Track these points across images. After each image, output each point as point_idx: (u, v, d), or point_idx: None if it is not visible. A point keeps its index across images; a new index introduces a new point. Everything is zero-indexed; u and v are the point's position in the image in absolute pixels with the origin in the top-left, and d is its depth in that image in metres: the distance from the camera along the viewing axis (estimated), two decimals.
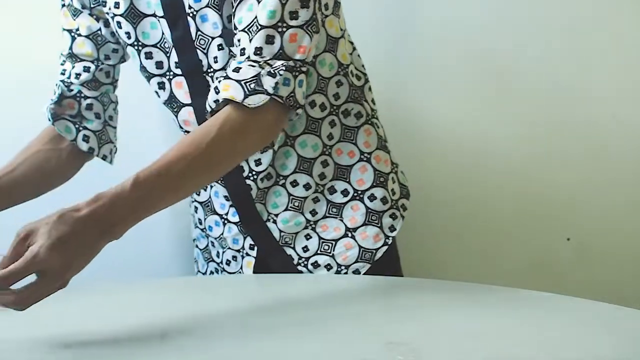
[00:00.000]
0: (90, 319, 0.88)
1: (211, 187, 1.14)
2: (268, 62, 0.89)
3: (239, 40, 0.91)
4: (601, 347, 0.76)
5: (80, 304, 0.93)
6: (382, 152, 1.12)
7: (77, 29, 1.10)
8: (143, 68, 1.05)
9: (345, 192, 1.10)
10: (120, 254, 1.57)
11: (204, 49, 0.99)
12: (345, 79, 1.08)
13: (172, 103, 1.05)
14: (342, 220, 1.10)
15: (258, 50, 0.89)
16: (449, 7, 1.59)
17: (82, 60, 1.11)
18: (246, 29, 0.90)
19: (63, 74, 1.13)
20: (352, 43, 1.12)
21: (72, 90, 1.12)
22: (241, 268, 1.15)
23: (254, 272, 1.12)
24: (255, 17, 0.89)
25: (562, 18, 1.60)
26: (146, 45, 1.03)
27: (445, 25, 1.59)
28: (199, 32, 0.98)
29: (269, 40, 0.89)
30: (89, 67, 1.11)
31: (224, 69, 0.98)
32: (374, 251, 1.11)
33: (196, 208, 1.20)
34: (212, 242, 1.19)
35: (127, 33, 1.03)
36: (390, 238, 1.12)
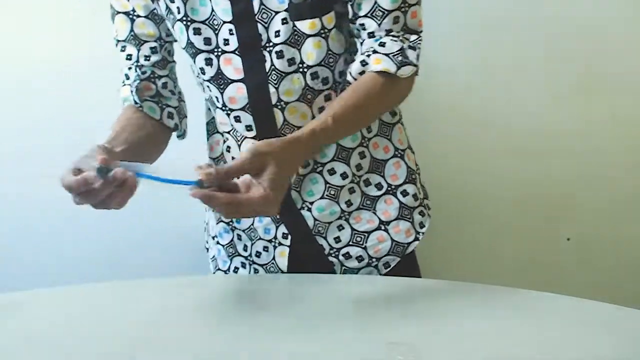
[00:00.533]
0: (97, 319, 0.88)
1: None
2: (405, 36, 1.02)
3: (362, 25, 1.02)
4: (601, 347, 0.76)
5: (88, 304, 0.93)
6: (410, 152, 1.16)
7: (134, 10, 1.09)
8: (190, 44, 1.04)
9: (379, 186, 1.12)
10: (125, 254, 1.58)
11: (266, 23, 1.00)
12: None
13: (219, 80, 1.05)
14: (375, 213, 1.12)
15: (388, 32, 1.01)
16: (452, 6, 1.59)
17: (145, 41, 1.10)
18: (369, 15, 1.01)
19: (129, 58, 1.11)
20: None
21: (145, 72, 1.11)
22: (274, 258, 1.14)
23: (289, 261, 1.12)
24: (376, 3, 1.00)
25: (561, 18, 1.60)
26: (195, 21, 1.03)
27: (445, 25, 1.59)
28: (262, 7, 1.00)
29: (396, 21, 1.01)
30: (155, 47, 1.10)
31: (284, 43, 1.00)
32: (406, 245, 1.14)
33: None
34: (238, 235, 1.18)
35: (177, 8, 1.03)
36: (421, 234, 1.15)
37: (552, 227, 1.71)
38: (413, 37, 1.02)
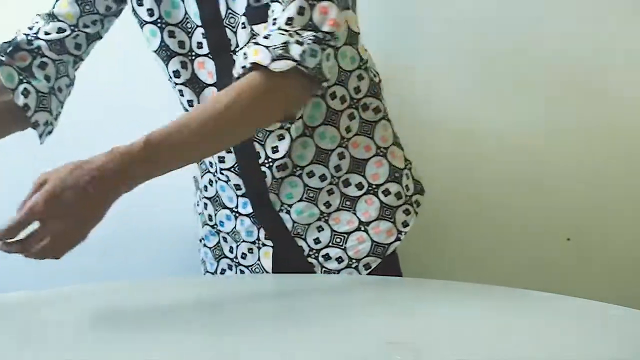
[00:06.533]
0: (96, 319, 0.87)
1: (217, 181, 1.13)
2: (298, 31, 0.90)
3: (272, 11, 0.94)
4: (601, 347, 0.76)
5: (87, 304, 0.93)
6: (397, 149, 1.14)
7: None
8: (164, 47, 1.03)
9: (359, 186, 1.11)
10: (128, 254, 1.58)
11: (234, 27, 0.99)
12: (365, 74, 1.10)
13: (194, 83, 1.04)
14: (355, 214, 1.11)
15: (289, 20, 0.91)
16: (453, 6, 1.59)
17: (59, 20, 1.06)
18: (279, 0, 0.92)
19: (30, 29, 1.06)
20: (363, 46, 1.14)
21: (31, 44, 1.04)
22: (259, 259, 1.14)
23: (273, 261, 1.12)
24: None
25: (562, 17, 1.60)
26: (169, 24, 1.02)
27: (446, 24, 1.59)
28: (229, 11, 0.98)
29: (301, 11, 0.91)
30: (64, 29, 1.05)
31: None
32: (386, 246, 1.12)
33: (205, 204, 1.19)
34: (223, 237, 1.18)
35: (150, 10, 1.02)
36: (403, 234, 1.13)
37: (552, 227, 1.71)
38: (307, 34, 0.90)
